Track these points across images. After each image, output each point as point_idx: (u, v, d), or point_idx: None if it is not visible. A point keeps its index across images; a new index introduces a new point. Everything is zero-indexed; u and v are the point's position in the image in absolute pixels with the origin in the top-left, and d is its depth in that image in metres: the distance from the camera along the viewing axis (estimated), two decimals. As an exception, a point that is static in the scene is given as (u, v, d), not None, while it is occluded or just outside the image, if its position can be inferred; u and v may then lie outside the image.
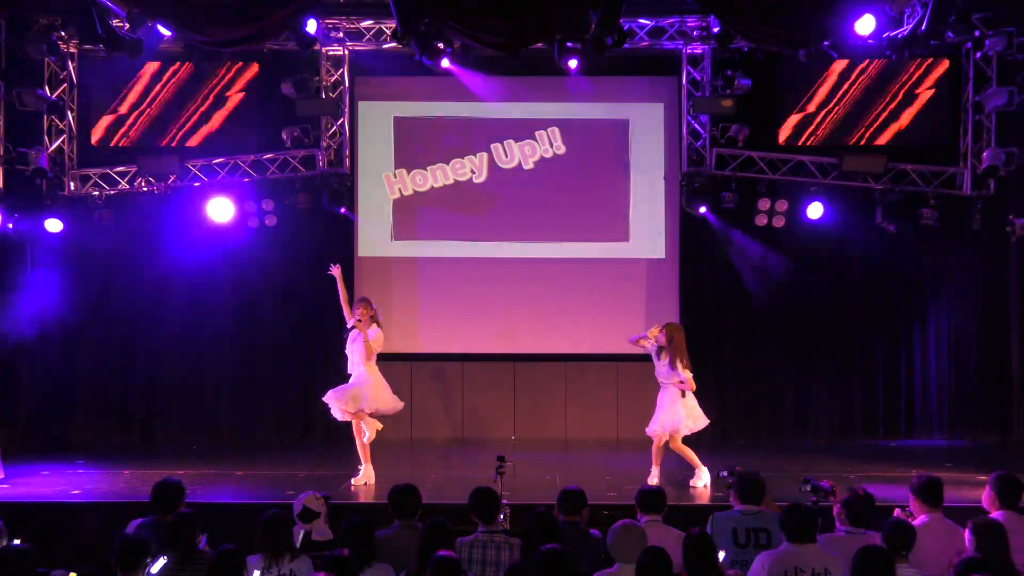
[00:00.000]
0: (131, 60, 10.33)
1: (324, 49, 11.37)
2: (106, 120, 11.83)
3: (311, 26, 10.31)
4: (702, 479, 8.74)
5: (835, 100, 11.85)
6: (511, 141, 12.08)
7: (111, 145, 11.82)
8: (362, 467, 9.01)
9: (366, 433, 9.03)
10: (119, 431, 11.92)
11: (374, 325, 9.11)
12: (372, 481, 8.92)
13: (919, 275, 11.96)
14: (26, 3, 10.11)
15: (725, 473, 6.23)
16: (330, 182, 11.46)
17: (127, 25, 10.06)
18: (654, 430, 8.89)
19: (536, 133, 12.10)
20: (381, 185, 12.11)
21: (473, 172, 12.10)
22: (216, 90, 11.85)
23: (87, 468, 9.84)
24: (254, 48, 10.67)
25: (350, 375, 9.19)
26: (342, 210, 11.53)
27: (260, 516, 5.20)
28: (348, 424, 9.27)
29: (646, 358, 9.23)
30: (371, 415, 9.05)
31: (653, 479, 8.81)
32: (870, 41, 10.38)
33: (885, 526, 5.00)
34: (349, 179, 11.78)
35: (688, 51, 11.43)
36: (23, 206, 11.11)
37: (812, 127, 11.88)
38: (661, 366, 8.94)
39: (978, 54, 11.09)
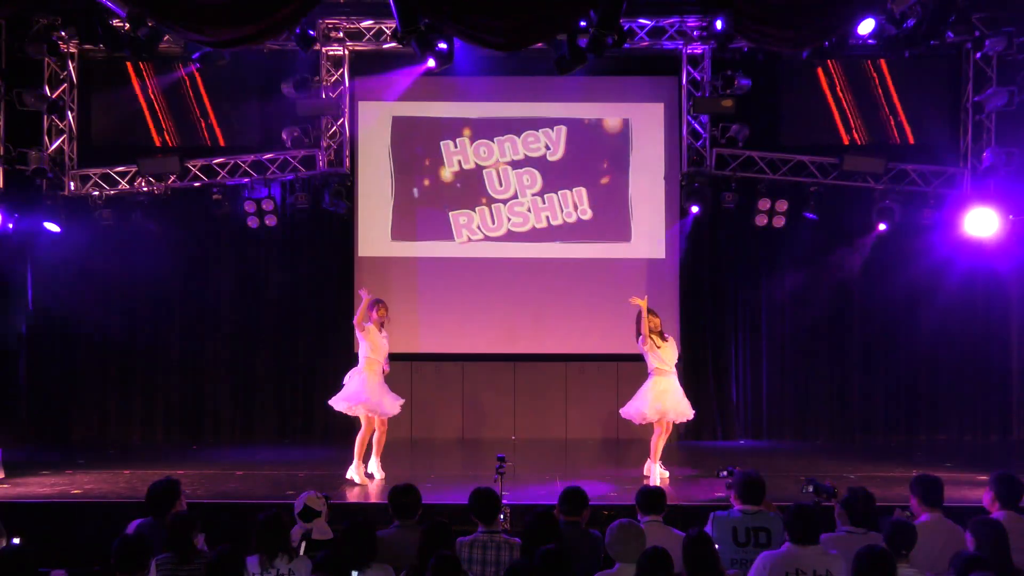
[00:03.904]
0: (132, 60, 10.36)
1: (324, 49, 11.36)
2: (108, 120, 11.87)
3: (311, 26, 10.32)
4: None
5: (835, 99, 11.86)
6: (511, 141, 12.09)
7: (111, 144, 11.82)
8: (354, 463, 9.07)
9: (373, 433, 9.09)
10: (119, 431, 11.93)
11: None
12: (359, 480, 8.97)
13: (919, 275, 11.94)
14: (26, 3, 10.09)
15: (725, 473, 6.23)
16: (330, 182, 11.47)
17: (127, 25, 10.07)
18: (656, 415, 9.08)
19: (536, 133, 12.10)
20: (381, 185, 12.12)
21: (473, 172, 12.12)
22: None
23: (87, 468, 9.84)
24: (254, 48, 10.66)
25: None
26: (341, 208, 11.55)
27: (257, 516, 5.20)
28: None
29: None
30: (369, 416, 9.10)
31: (657, 478, 8.85)
32: (870, 41, 10.39)
33: (886, 526, 4.99)
34: (349, 179, 11.78)
35: (688, 51, 11.42)
36: (23, 206, 11.11)
37: (812, 127, 11.89)
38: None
39: (978, 54, 11.09)
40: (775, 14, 9.22)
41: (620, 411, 9.43)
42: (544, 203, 12.09)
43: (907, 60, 10.93)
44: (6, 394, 11.70)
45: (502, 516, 5.67)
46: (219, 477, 9.40)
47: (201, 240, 12.02)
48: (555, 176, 12.11)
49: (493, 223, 12.10)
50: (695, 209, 11.46)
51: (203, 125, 11.93)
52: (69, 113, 11.46)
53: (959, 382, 11.98)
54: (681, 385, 9.29)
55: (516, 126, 12.11)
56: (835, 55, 10.36)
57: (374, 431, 9.12)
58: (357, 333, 9.12)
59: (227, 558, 4.64)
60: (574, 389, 12.15)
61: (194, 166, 11.50)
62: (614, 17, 9.26)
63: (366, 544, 4.97)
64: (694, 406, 9.40)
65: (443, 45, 10.28)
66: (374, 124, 12.11)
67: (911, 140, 11.84)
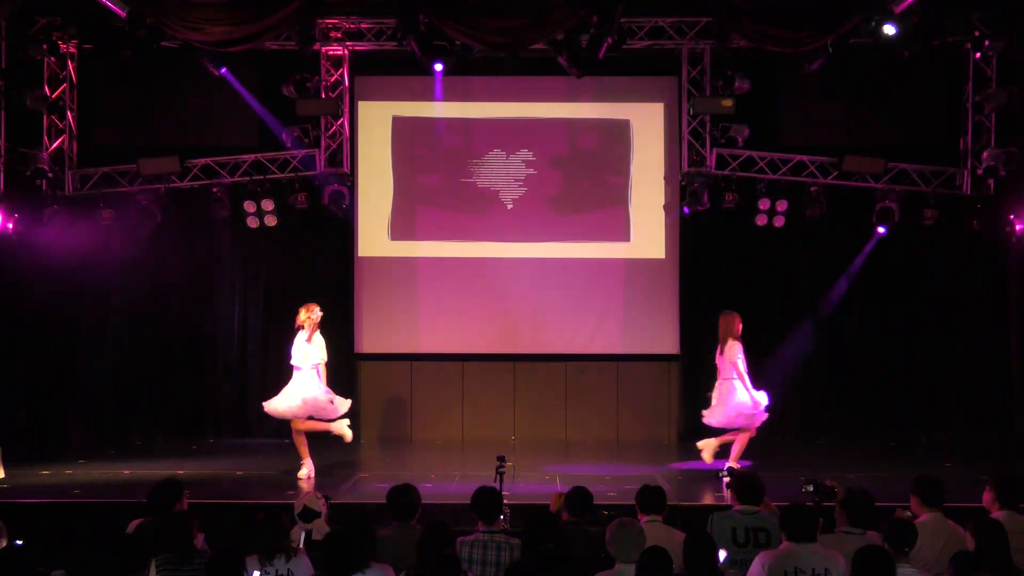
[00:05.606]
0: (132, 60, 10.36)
1: (324, 49, 11.36)
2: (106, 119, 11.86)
3: (311, 26, 10.32)
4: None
5: (835, 99, 11.85)
6: (511, 140, 12.09)
7: (112, 144, 11.81)
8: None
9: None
10: (119, 431, 11.92)
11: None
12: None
13: (919, 275, 11.95)
14: (26, 3, 10.10)
15: (725, 473, 6.23)
16: (330, 182, 11.47)
17: (127, 25, 10.06)
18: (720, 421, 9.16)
19: (536, 133, 12.09)
20: (381, 185, 12.12)
21: (473, 172, 12.12)
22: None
23: (87, 468, 9.84)
24: (254, 48, 10.66)
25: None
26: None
27: (256, 516, 5.20)
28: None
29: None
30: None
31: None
32: (869, 41, 10.38)
33: (886, 525, 4.99)
34: (349, 179, 11.78)
35: (688, 51, 11.42)
36: (23, 206, 11.10)
37: (812, 127, 11.88)
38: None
39: (978, 54, 11.08)
40: (775, 14, 9.23)
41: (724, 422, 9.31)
42: (544, 203, 12.09)
43: (907, 60, 10.91)
44: (6, 394, 11.69)
45: (502, 516, 5.67)
46: (219, 477, 9.40)
47: (201, 240, 12.01)
48: (555, 176, 12.10)
49: (493, 223, 12.09)
50: (695, 209, 11.44)
51: (204, 125, 11.91)
52: (69, 113, 11.45)
53: (959, 382, 11.97)
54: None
55: (516, 126, 12.11)
56: (835, 55, 10.34)
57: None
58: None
59: (227, 558, 4.64)
60: (574, 389, 12.14)
61: (194, 166, 11.50)
62: (614, 17, 9.27)
63: (366, 544, 4.97)
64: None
65: (442, 45, 10.28)
66: (374, 124, 12.11)
67: (911, 140, 11.82)
